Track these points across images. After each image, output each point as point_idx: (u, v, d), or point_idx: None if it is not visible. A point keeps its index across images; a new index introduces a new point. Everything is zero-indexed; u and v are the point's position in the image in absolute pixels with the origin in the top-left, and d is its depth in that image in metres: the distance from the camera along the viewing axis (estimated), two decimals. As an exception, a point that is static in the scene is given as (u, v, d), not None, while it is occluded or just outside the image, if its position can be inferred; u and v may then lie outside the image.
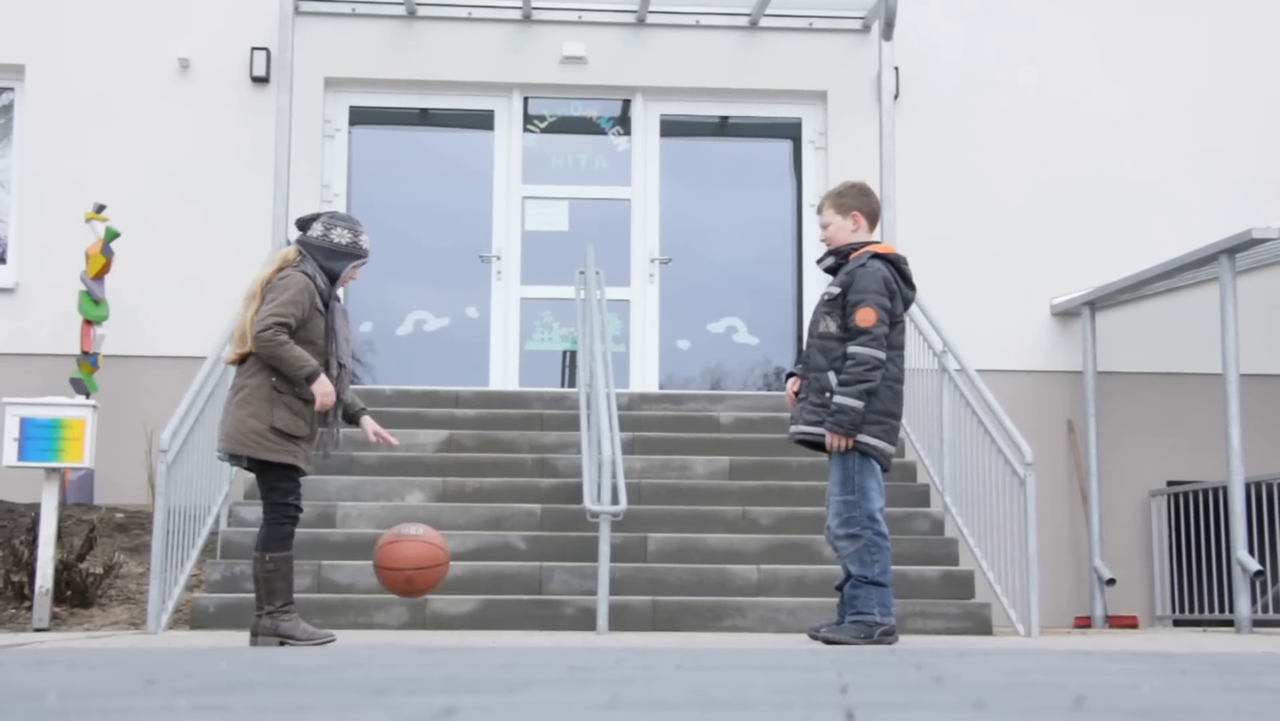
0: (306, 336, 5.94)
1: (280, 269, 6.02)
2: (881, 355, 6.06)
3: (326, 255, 6.05)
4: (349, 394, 6.21)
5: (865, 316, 6.05)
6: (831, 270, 6.35)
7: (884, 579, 6.02)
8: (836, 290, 6.18)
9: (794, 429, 6.26)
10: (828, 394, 6.08)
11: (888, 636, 5.97)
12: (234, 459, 6.02)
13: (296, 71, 10.11)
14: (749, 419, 9.75)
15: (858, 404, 6.01)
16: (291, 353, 5.83)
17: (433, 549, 5.81)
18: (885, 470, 6.22)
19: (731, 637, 7.05)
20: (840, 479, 6.10)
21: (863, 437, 6.07)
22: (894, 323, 6.16)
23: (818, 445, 6.21)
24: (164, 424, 7.80)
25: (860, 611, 5.98)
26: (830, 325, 6.15)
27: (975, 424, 8.56)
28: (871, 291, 6.08)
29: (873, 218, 6.37)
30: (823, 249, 6.48)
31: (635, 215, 11.10)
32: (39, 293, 10.33)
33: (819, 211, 6.45)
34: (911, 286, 6.31)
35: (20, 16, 10.69)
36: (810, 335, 6.29)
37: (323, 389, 5.87)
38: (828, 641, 5.94)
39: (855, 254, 6.23)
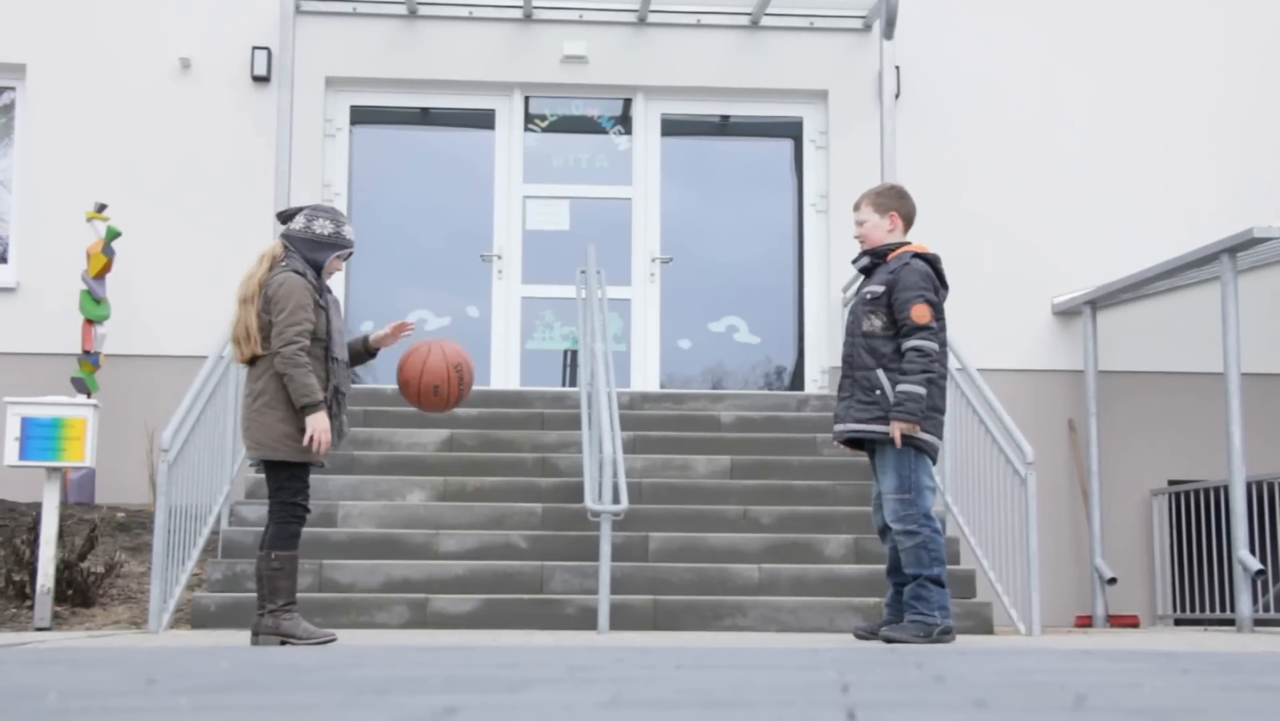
0: (313, 335, 5.93)
1: (270, 267, 6.01)
2: (938, 347, 6.19)
3: (310, 247, 6.04)
4: (353, 341, 6.28)
5: (920, 313, 6.17)
6: (866, 270, 6.46)
7: (943, 576, 6.16)
8: (880, 289, 6.28)
9: (841, 427, 6.31)
10: (878, 391, 6.17)
11: (946, 636, 6.10)
12: (264, 463, 5.98)
13: (297, 71, 10.10)
14: (750, 418, 9.75)
15: (923, 390, 6.12)
16: (305, 379, 5.81)
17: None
18: (934, 463, 6.38)
19: (732, 637, 7.04)
20: (895, 477, 6.18)
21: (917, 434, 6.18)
22: (939, 319, 6.29)
23: (860, 444, 6.34)
24: (165, 423, 7.81)
25: (921, 612, 6.10)
26: (875, 323, 6.25)
27: (976, 423, 8.56)
28: (921, 288, 6.21)
29: (909, 220, 6.50)
30: (854, 246, 6.66)
31: (636, 214, 11.09)
32: (40, 292, 10.33)
33: (856, 208, 6.54)
34: (945, 285, 6.42)
35: (21, 16, 10.69)
36: (851, 335, 6.38)
37: (319, 424, 5.83)
38: (889, 640, 6.05)
39: (894, 254, 6.35)
